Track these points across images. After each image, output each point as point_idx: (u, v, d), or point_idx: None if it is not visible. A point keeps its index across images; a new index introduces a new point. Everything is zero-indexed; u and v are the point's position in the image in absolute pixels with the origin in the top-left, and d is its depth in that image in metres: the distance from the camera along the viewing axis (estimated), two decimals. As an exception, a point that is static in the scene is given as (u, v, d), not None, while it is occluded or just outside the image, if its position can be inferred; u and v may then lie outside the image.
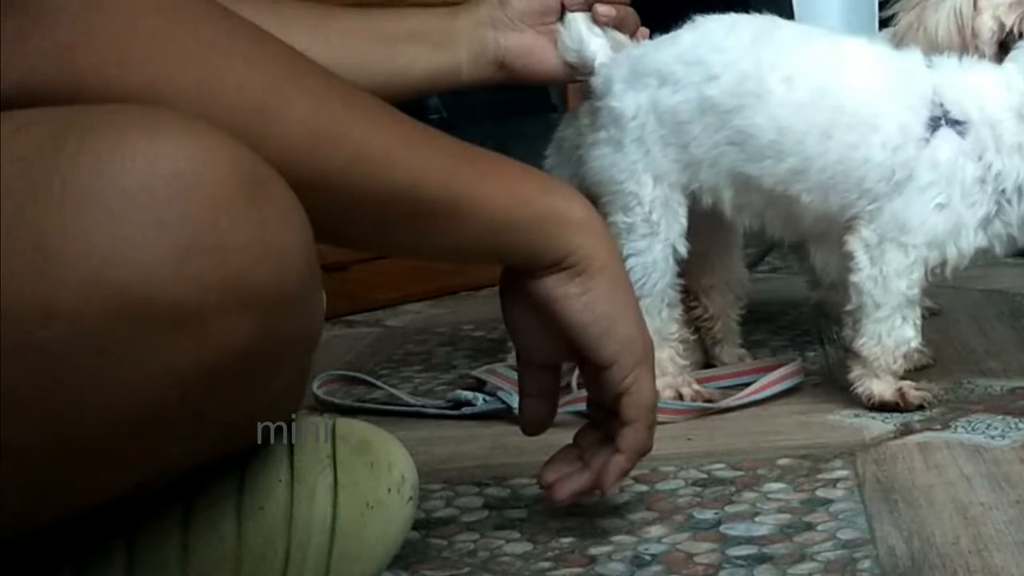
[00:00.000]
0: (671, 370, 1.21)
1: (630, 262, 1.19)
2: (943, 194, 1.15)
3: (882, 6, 1.46)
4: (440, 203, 0.77)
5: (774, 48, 1.19)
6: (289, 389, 0.76)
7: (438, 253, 0.85)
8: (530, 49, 1.26)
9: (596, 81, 1.23)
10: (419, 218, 0.77)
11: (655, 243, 1.20)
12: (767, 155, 1.17)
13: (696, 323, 1.32)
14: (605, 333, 0.84)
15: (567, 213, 0.83)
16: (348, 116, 0.73)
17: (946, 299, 1.57)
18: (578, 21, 1.24)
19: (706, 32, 1.21)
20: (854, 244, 1.17)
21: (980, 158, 1.15)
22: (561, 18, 1.26)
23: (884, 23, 1.41)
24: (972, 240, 1.16)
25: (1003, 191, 1.15)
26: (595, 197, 1.21)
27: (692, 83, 1.19)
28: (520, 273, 0.85)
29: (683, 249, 1.21)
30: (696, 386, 1.22)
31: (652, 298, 1.20)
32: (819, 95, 1.16)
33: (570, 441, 0.92)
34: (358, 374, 1.35)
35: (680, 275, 1.23)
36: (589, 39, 1.24)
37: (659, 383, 1.17)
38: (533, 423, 0.92)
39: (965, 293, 1.61)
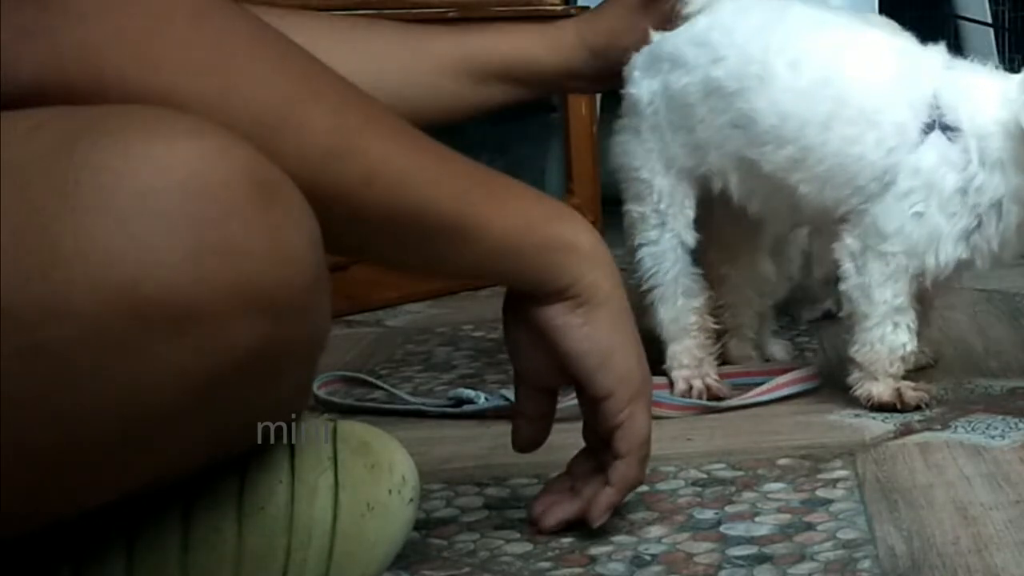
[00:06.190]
0: (686, 362, 1.21)
1: (642, 251, 1.21)
2: (921, 202, 1.12)
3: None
4: (450, 224, 0.77)
5: (783, 31, 1.17)
6: (294, 392, 0.76)
7: (444, 271, 0.85)
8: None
9: (625, 70, 1.24)
10: (428, 238, 0.77)
11: (664, 233, 1.21)
12: (767, 140, 1.16)
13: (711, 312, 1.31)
14: (603, 364, 0.84)
15: (574, 242, 0.84)
16: (366, 132, 0.73)
17: (946, 299, 1.57)
18: None
19: (719, 14, 1.20)
20: (840, 253, 1.16)
21: (964, 169, 1.12)
22: None
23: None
24: (952, 251, 1.13)
25: (980, 205, 1.12)
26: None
27: (700, 65, 1.18)
28: (524, 298, 0.85)
29: (690, 239, 1.22)
30: (709, 380, 1.22)
31: (665, 287, 1.21)
32: (823, 83, 1.14)
33: (569, 442, 0.92)
34: (358, 374, 1.35)
35: (698, 264, 1.24)
36: None
37: (673, 375, 1.19)
38: (526, 442, 0.92)
39: (965, 293, 1.61)
